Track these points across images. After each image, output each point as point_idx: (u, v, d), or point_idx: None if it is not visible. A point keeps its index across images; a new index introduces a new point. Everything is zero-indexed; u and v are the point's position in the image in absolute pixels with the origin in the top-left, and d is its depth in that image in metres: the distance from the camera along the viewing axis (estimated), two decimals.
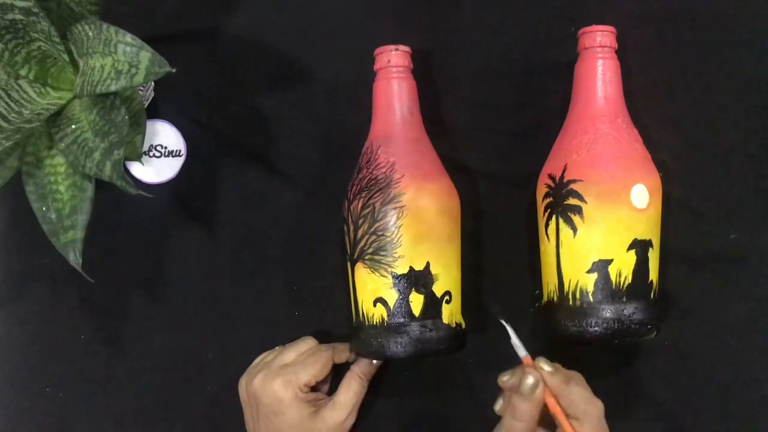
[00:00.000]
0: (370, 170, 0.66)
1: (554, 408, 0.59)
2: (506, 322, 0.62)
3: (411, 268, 0.64)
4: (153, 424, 0.76)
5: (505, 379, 0.61)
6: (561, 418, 0.59)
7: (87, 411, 0.76)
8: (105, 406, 0.76)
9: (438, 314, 0.65)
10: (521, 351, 0.61)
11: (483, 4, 0.73)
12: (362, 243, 0.65)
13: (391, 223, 0.64)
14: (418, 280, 0.64)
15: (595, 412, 0.59)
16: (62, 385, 0.76)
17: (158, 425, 0.76)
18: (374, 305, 0.65)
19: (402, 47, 0.68)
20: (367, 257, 0.65)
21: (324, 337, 0.71)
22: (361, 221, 0.65)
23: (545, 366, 0.60)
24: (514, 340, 0.61)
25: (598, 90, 0.66)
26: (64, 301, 0.76)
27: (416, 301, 0.64)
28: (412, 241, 0.64)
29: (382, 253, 0.64)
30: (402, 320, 0.64)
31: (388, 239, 0.64)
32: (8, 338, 0.77)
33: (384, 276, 0.64)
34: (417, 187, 0.64)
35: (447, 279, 0.65)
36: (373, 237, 0.64)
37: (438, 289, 0.65)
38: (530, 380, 0.59)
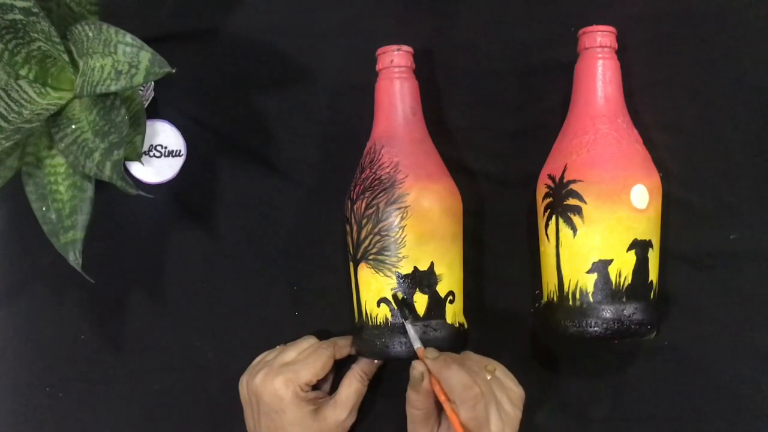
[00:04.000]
0: (373, 170, 0.65)
1: (438, 394, 0.61)
2: (406, 320, 0.63)
3: (415, 268, 0.64)
4: (153, 424, 0.75)
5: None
6: (443, 402, 0.61)
7: (87, 411, 0.76)
8: (105, 406, 0.76)
9: (442, 314, 0.65)
10: (416, 343, 0.63)
11: (483, 4, 0.73)
12: (366, 243, 0.65)
13: (396, 223, 0.64)
14: (422, 280, 0.64)
15: (470, 396, 0.59)
16: (62, 385, 0.76)
17: (158, 425, 0.76)
18: (378, 305, 0.65)
19: (404, 47, 0.68)
20: (370, 257, 0.65)
21: (324, 337, 0.71)
22: (364, 221, 0.65)
23: (430, 354, 0.62)
24: (410, 332, 0.63)
25: (598, 90, 0.66)
26: (64, 301, 0.76)
27: (420, 301, 0.64)
28: (417, 241, 0.64)
29: (386, 253, 0.64)
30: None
31: (393, 239, 0.64)
32: (8, 338, 0.77)
33: (388, 276, 0.64)
34: (421, 188, 0.64)
35: (451, 279, 0.65)
36: (377, 237, 0.64)
37: (442, 289, 0.65)
38: (415, 373, 0.61)
